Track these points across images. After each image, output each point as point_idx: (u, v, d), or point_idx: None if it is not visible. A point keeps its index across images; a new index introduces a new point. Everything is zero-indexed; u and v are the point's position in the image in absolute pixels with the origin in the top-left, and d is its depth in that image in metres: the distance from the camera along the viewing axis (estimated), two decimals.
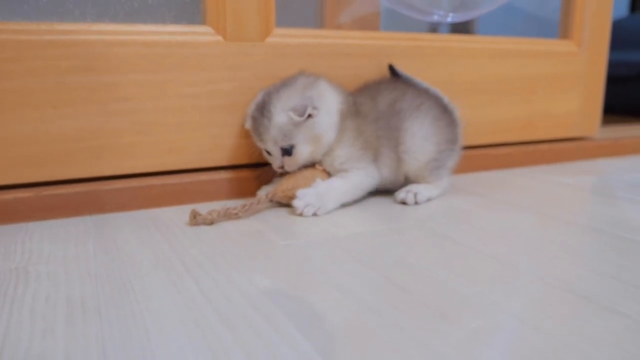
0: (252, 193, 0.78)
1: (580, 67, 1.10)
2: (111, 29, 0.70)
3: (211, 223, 0.66)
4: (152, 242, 0.59)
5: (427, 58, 0.92)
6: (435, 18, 0.92)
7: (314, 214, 0.69)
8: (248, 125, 0.74)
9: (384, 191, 0.80)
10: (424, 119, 0.77)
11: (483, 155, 0.99)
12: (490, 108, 1.01)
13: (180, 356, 0.36)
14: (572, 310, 0.43)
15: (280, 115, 0.69)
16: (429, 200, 0.78)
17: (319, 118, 0.70)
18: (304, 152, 0.71)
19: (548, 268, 0.52)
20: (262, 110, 0.70)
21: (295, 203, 0.69)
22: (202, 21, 0.77)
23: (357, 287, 0.47)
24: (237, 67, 0.77)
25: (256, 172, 0.79)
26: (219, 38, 0.76)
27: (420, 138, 0.77)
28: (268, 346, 0.37)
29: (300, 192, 0.70)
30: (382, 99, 0.78)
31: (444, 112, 0.82)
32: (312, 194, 0.70)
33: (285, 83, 0.72)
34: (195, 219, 0.65)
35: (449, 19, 0.94)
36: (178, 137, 0.76)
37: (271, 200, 0.73)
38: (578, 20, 1.08)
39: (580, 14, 1.08)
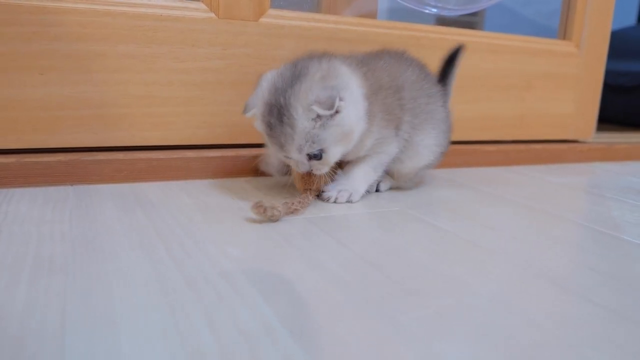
0: (239, 173, 0.77)
1: (577, 68, 1.10)
2: None
3: (276, 220, 0.58)
4: (129, 211, 0.59)
5: (423, 49, 0.92)
6: (430, 10, 0.91)
7: (349, 201, 0.67)
8: (260, 128, 0.63)
9: None
10: (445, 117, 0.75)
11: (474, 150, 0.98)
12: (484, 103, 1.01)
13: (140, 313, 0.35)
14: (546, 295, 0.43)
15: (304, 119, 0.58)
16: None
17: (347, 111, 0.59)
18: (335, 154, 0.62)
19: (527, 256, 0.52)
20: (281, 115, 0.58)
21: (326, 193, 0.67)
22: None
23: (329, 262, 0.47)
24: (229, 45, 0.77)
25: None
26: (212, 15, 0.75)
27: (433, 138, 0.73)
28: (228, 309, 0.37)
29: (327, 187, 0.67)
30: (408, 72, 0.71)
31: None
32: (342, 183, 0.67)
33: (297, 73, 0.60)
34: (265, 214, 0.57)
35: (446, 12, 0.93)
36: (166, 112, 0.75)
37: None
38: (578, 21, 1.08)
39: (581, 15, 1.08)
